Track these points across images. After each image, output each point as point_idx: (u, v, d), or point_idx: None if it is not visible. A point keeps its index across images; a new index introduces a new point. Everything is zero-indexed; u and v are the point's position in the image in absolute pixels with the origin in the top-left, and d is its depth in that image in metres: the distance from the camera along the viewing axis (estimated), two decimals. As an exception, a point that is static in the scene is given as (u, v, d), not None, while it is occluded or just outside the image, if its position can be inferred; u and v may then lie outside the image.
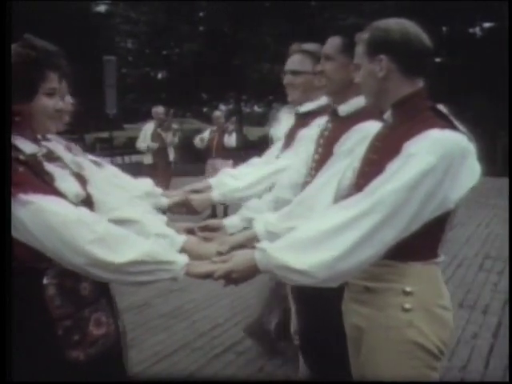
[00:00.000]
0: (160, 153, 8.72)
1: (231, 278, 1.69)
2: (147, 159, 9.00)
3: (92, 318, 1.67)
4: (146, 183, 2.49)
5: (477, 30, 22.44)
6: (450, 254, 6.30)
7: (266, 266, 1.63)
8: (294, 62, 2.65)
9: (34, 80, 1.65)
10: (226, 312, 4.70)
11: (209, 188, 2.62)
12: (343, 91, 2.22)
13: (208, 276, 1.69)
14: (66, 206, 1.55)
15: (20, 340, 1.58)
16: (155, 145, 8.83)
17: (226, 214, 8.77)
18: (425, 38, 1.74)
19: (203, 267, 1.70)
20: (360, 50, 1.81)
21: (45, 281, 1.59)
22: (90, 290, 1.68)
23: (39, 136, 1.76)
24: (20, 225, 1.50)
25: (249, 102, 29.55)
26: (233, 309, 4.76)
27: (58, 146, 1.91)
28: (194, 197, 2.54)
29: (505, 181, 11.34)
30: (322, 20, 20.12)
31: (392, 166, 1.62)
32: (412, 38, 1.72)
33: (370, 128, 1.93)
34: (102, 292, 1.74)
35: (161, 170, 8.56)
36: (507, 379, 3.48)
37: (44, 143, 1.76)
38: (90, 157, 2.68)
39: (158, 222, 2.10)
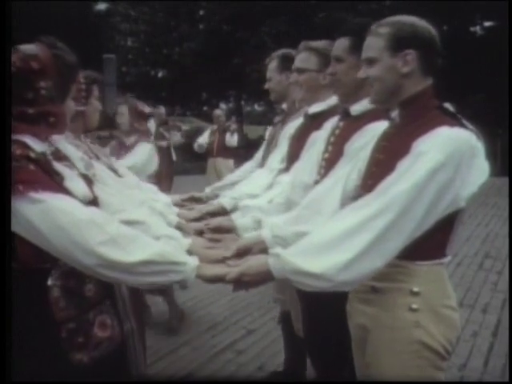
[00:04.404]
0: (163, 152, 8.65)
1: (242, 282, 1.67)
2: None
3: (96, 320, 1.66)
4: (164, 201, 2.49)
5: (477, 28, 22.39)
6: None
7: (280, 271, 1.61)
8: (300, 59, 2.63)
9: (68, 82, 1.68)
10: (226, 310, 4.71)
11: (222, 209, 2.57)
12: (355, 92, 2.19)
13: (219, 279, 1.66)
14: (77, 206, 1.53)
15: (24, 342, 1.57)
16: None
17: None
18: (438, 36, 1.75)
19: (214, 270, 1.68)
20: (377, 44, 1.76)
21: (49, 282, 1.57)
22: (95, 291, 1.67)
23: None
24: (28, 223, 1.47)
25: (249, 100, 29.51)
26: (232, 307, 4.77)
27: (65, 144, 1.91)
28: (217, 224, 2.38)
29: (504, 180, 11.33)
30: (324, 19, 20.09)
31: (402, 165, 1.62)
32: (434, 36, 1.73)
33: (382, 128, 1.91)
34: (106, 294, 1.73)
35: (163, 170, 8.52)
36: (506, 378, 3.48)
37: (52, 141, 1.75)
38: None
39: (164, 224, 2.10)
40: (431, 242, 1.66)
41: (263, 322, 4.45)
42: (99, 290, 1.68)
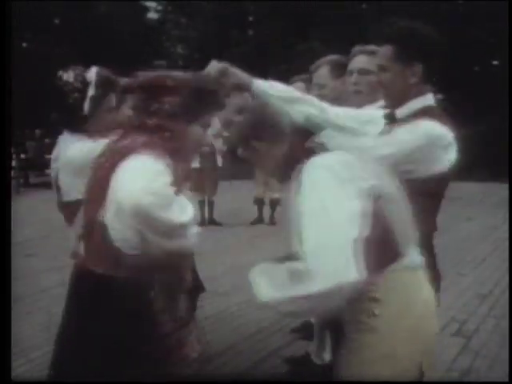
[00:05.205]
0: (208, 157, 8.62)
1: None
2: (194, 163, 9.04)
3: (188, 338, 1.70)
4: None
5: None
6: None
7: None
8: (362, 62, 2.71)
9: (198, 107, 1.75)
10: (271, 316, 4.67)
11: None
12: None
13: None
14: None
15: (121, 351, 1.60)
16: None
17: (272, 219, 8.75)
18: None
19: None
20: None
21: (152, 294, 1.62)
22: (185, 311, 1.73)
23: None
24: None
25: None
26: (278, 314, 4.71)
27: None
28: None
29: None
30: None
31: (301, 211, 1.63)
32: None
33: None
34: (192, 315, 1.78)
35: (207, 175, 8.53)
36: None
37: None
38: None
39: None
40: (377, 248, 1.61)
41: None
42: (189, 311, 1.75)
